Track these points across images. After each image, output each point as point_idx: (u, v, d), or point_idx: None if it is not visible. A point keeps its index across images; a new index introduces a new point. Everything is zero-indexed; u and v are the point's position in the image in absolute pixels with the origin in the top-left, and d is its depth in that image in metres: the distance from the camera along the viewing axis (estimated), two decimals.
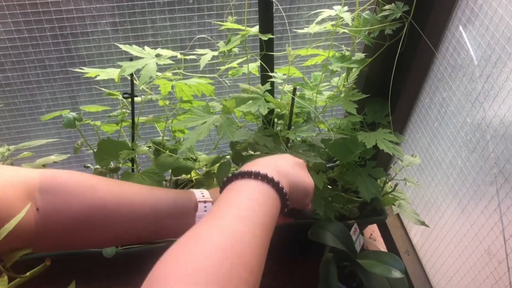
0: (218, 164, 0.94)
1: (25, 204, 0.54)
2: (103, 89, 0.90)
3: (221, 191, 0.57)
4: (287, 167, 0.62)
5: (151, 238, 0.73)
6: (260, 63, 0.88)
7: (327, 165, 1.07)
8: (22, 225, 0.53)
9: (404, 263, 0.92)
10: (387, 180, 0.99)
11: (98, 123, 0.94)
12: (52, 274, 0.91)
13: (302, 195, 0.63)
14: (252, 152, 0.96)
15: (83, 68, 0.83)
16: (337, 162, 1.05)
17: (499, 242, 0.80)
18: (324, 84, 0.96)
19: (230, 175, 0.58)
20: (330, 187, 1.01)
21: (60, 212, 0.57)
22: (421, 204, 1.07)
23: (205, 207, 0.68)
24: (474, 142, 0.85)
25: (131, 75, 0.85)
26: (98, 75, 0.83)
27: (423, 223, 0.97)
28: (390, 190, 1.00)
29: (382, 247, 1.14)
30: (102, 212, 0.60)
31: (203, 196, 0.69)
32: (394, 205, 1.00)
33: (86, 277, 0.95)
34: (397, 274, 0.89)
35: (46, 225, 0.57)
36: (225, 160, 0.95)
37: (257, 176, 0.55)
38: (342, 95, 0.92)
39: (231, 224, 0.48)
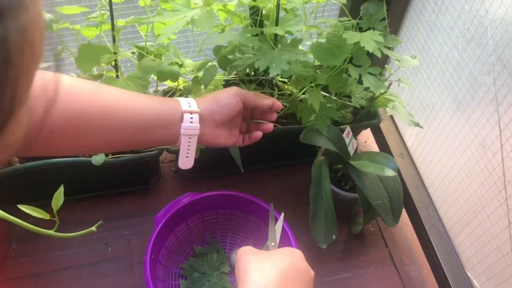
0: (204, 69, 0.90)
1: None
2: None
3: None
4: None
5: (136, 147, 0.74)
6: None
7: None
8: None
9: (399, 166, 0.90)
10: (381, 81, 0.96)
11: (77, 26, 0.89)
12: (42, 183, 0.90)
13: None
14: (240, 56, 0.92)
15: None
16: None
17: (494, 134, 0.78)
18: None
19: None
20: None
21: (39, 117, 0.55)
22: (416, 106, 1.04)
23: (191, 118, 0.66)
24: (472, 30, 0.80)
25: None
26: None
27: (417, 124, 0.94)
28: (383, 91, 0.96)
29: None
30: (83, 120, 0.59)
31: (189, 106, 0.67)
32: (388, 106, 0.97)
33: (75, 185, 0.94)
34: (390, 172, 0.88)
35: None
36: (211, 64, 0.91)
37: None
38: None
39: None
